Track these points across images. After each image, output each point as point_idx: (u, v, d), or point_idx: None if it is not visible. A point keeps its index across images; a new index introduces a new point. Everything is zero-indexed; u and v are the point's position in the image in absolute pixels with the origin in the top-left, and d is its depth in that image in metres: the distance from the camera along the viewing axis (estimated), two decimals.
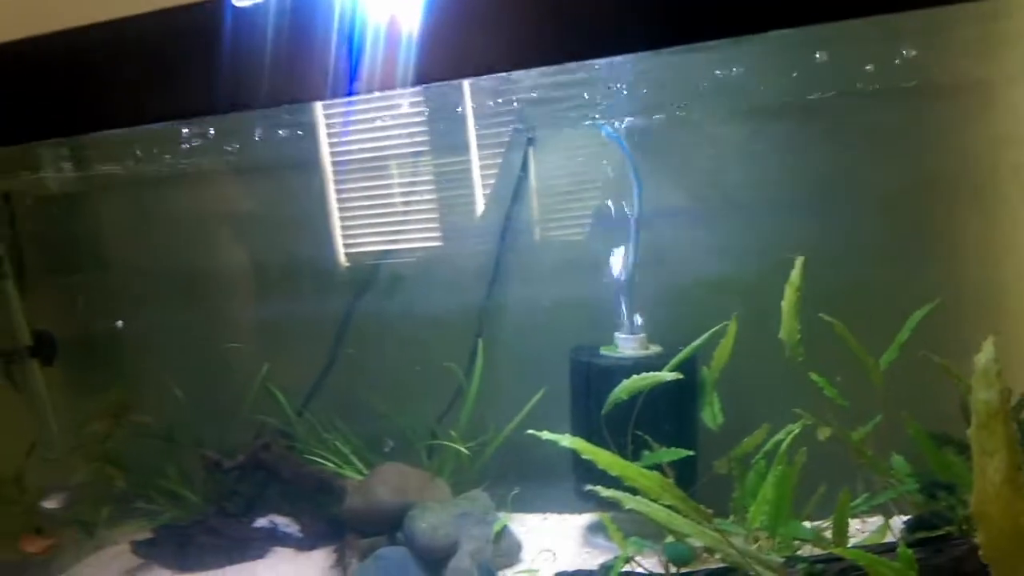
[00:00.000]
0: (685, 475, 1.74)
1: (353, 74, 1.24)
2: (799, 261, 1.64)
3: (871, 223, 1.92)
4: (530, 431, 1.45)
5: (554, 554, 1.91)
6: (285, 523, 2.12)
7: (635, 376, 1.69)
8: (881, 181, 1.91)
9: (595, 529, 2.03)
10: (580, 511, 2.12)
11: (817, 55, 1.70)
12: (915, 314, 1.69)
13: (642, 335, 1.93)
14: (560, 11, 1.21)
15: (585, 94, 1.93)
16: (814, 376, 1.69)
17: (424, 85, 1.32)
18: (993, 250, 1.91)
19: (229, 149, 2.17)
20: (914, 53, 1.78)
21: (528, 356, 2.18)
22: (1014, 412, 1.64)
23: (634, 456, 1.74)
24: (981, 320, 1.91)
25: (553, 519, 2.12)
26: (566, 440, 1.33)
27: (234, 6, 1.23)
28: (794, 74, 1.82)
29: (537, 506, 2.15)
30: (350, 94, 1.24)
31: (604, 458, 1.27)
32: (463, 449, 2.05)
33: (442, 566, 1.77)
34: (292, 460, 2.18)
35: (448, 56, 1.25)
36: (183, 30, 1.27)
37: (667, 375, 1.66)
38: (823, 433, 1.58)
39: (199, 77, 1.29)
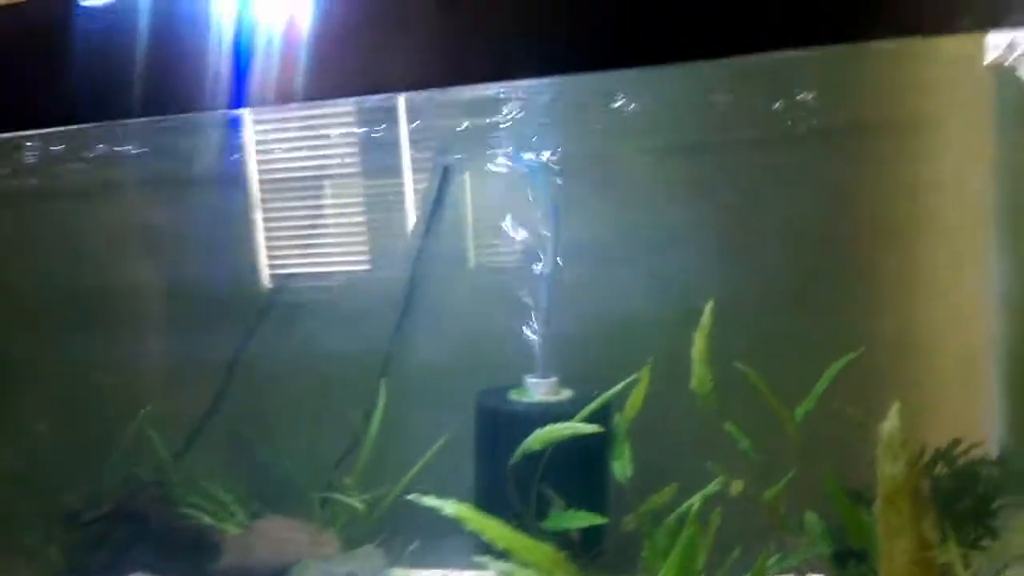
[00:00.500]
0: (593, 531, 1.63)
1: (221, 86, 1.09)
2: (708, 306, 1.56)
3: (792, 267, 1.86)
4: (410, 496, 1.30)
5: None
6: None
7: (550, 426, 1.57)
8: (802, 225, 1.86)
9: None
10: (484, 568, 1.97)
11: (727, 94, 1.65)
12: (834, 364, 1.62)
13: (554, 379, 1.82)
14: (471, 30, 1.09)
15: (507, 122, 1.83)
16: (729, 427, 1.61)
17: (314, 101, 1.18)
18: (912, 296, 1.87)
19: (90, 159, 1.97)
20: (831, 94, 1.74)
21: (438, 398, 2.04)
22: (928, 468, 1.58)
23: (539, 514, 1.61)
24: (901, 368, 1.86)
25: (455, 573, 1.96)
26: (450, 508, 1.18)
27: (80, 5, 1.07)
28: (708, 111, 1.76)
29: (437, 561, 1.99)
30: (216, 108, 1.09)
31: (491, 529, 1.14)
32: (355, 504, 1.88)
33: None
34: (165, 511, 1.98)
35: (343, 72, 1.11)
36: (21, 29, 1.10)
37: (585, 427, 1.54)
38: (735, 488, 1.48)
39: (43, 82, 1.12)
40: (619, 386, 1.63)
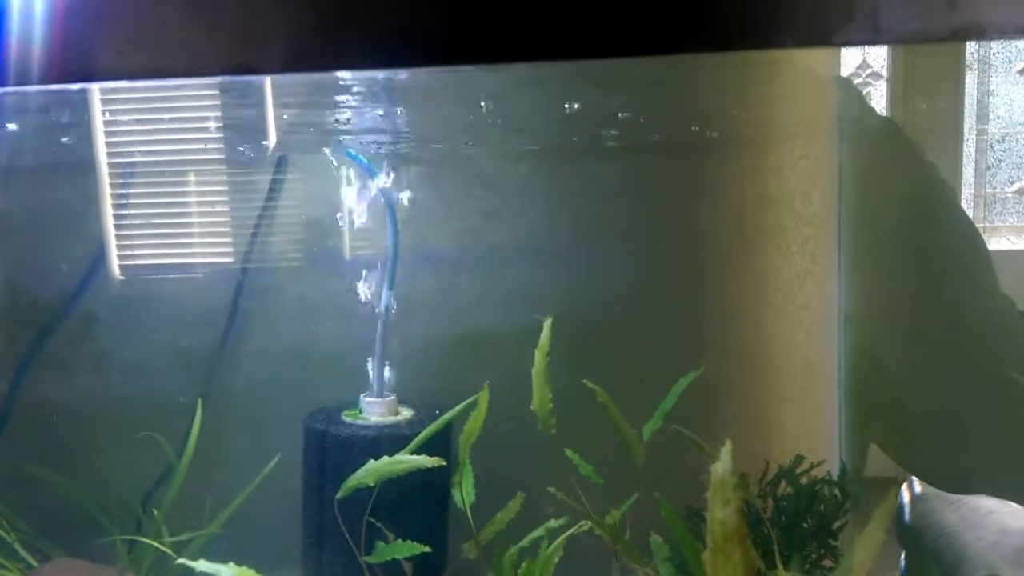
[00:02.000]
0: (433, 560, 1.48)
1: None
2: (547, 323, 1.46)
3: (638, 280, 1.79)
4: (181, 560, 1.12)
5: None
6: None
7: (385, 460, 1.42)
8: (648, 237, 1.80)
9: None
10: None
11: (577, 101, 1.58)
12: (680, 381, 1.57)
13: (392, 397, 1.66)
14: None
15: (344, 115, 1.68)
16: (569, 453, 1.52)
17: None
18: (759, 313, 1.85)
19: None
20: (683, 105, 1.71)
21: (265, 418, 1.84)
22: (771, 486, 1.55)
23: (368, 548, 1.45)
24: (747, 383, 1.84)
25: None
26: (227, 573, 1.01)
27: None
28: (560, 115, 1.68)
29: None
30: None
31: None
32: (160, 546, 1.65)
33: None
34: None
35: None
36: None
37: (425, 460, 1.39)
38: (582, 527, 1.39)
39: None
40: (455, 409, 1.50)
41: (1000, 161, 1.92)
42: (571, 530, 1.39)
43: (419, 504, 1.56)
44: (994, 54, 1.98)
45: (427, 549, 1.41)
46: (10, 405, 1.85)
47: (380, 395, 1.66)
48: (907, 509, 1.69)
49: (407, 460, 1.43)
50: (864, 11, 0.78)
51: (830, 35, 0.81)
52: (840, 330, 1.86)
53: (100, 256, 1.88)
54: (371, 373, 1.68)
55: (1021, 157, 1.90)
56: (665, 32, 0.83)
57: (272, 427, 1.79)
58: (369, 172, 1.67)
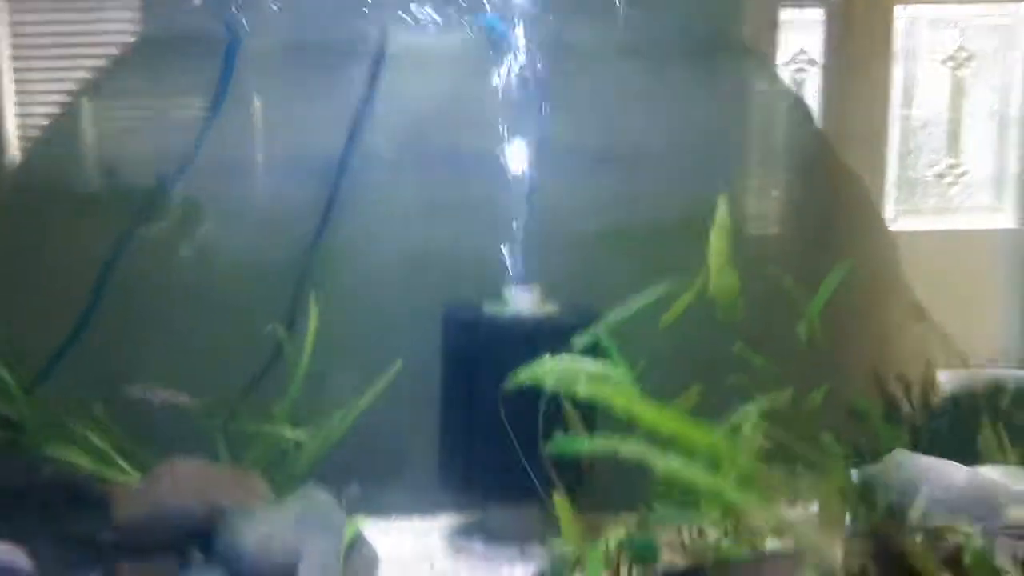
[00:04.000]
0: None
1: None
2: (722, 199, 1.40)
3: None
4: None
5: (432, 565, 1.46)
6: (4, 553, 1.41)
7: (566, 358, 1.30)
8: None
9: (463, 533, 1.61)
10: (434, 513, 1.69)
11: None
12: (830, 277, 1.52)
13: (535, 289, 1.57)
14: None
15: None
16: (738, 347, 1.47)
17: None
18: None
19: None
20: None
21: (373, 319, 1.71)
22: None
23: (546, 435, 1.36)
24: None
25: (401, 524, 1.66)
26: None
27: None
28: None
29: (376, 508, 1.67)
30: None
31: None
32: (296, 436, 1.52)
33: None
34: (14, 460, 1.49)
35: None
36: None
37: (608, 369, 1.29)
38: (779, 400, 1.34)
39: None
40: (650, 293, 1.40)
41: (922, 146, 2.07)
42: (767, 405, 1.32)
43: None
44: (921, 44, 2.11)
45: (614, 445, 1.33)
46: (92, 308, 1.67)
47: (525, 286, 1.57)
48: None
49: (590, 363, 1.31)
50: None
51: None
52: None
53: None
54: (509, 263, 1.59)
55: (941, 142, 2.07)
56: None
57: (388, 328, 1.68)
58: (506, 40, 1.57)
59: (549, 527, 1.34)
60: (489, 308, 1.56)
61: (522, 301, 1.55)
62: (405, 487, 1.65)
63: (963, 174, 2.11)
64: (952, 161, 2.11)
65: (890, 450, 1.35)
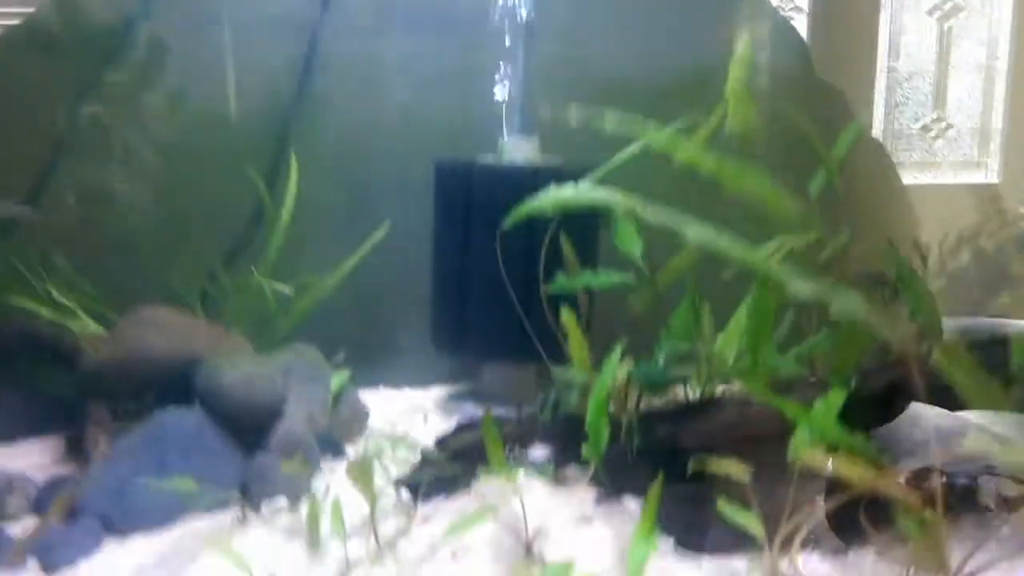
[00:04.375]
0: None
1: None
2: (743, 36, 1.30)
3: None
4: None
5: (425, 416, 1.39)
6: None
7: (570, 187, 1.21)
8: None
9: (456, 399, 1.54)
10: (425, 385, 1.61)
11: None
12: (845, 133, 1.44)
13: (535, 139, 1.48)
14: None
15: None
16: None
17: None
18: None
19: None
20: None
21: (352, 176, 1.61)
22: None
23: (546, 277, 1.28)
24: None
25: (389, 393, 1.58)
26: None
27: None
28: None
29: (368, 378, 1.58)
30: None
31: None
32: (283, 288, 1.42)
33: (263, 434, 1.16)
34: None
35: None
36: None
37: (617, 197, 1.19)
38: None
39: None
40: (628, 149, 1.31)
41: (907, 99, 2.00)
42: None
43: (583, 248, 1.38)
44: None
45: (619, 279, 1.24)
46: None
47: (525, 134, 1.47)
48: None
49: (595, 190, 1.23)
50: None
51: None
52: None
53: None
54: (506, 113, 1.49)
55: (926, 95, 2.00)
56: None
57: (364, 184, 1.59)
58: None
59: (543, 389, 1.26)
60: (483, 159, 1.46)
61: (520, 150, 1.45)
62: (396, 355, 1.57)
63: (947, 127, 2.05)
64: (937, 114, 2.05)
65: None
